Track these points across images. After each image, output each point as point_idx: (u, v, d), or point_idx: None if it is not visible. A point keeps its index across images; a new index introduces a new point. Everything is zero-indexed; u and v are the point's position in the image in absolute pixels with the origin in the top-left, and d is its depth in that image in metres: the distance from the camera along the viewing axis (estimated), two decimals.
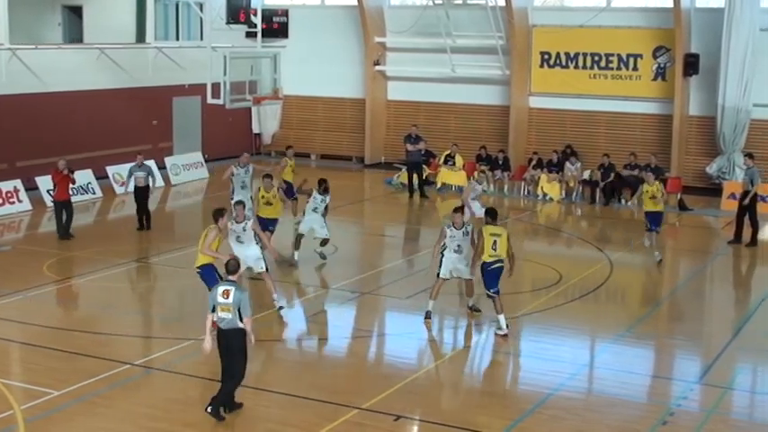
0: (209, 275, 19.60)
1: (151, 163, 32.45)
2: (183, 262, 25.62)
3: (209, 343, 15.60)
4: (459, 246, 20.68)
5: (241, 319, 15.40)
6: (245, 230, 21.00)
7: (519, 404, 16.57)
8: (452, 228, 20.73)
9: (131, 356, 18.32)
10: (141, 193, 29.57)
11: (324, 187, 25.53)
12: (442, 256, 20.82)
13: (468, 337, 20.51)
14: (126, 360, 18.06)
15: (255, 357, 18.87)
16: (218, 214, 19.78)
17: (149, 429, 15.11)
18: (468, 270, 20.76)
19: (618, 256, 27.41)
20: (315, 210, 25.30)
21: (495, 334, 20.00)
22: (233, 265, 15.92)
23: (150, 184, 29.76)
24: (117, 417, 15.56)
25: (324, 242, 25.52)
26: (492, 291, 19.94)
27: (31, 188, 32.83)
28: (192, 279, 23.73)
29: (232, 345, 15.51)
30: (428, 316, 20.77)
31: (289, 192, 29.53)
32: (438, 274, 20.84)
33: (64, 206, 28.13)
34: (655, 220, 26.73)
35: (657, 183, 27.01)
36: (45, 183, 33.16)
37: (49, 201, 32.89)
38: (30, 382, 16.99)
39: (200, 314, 21.59)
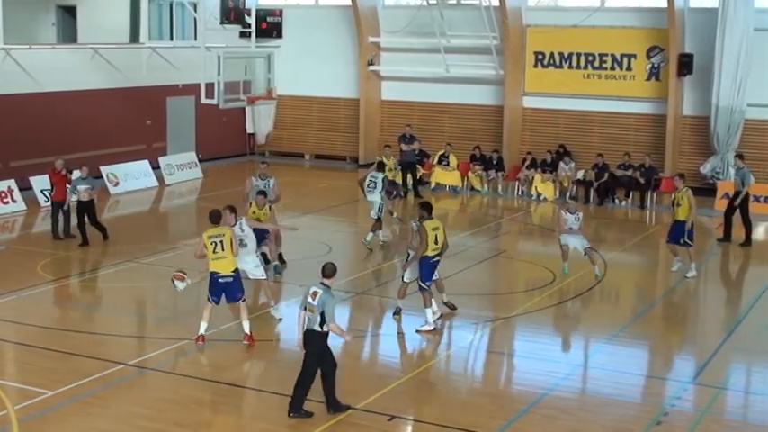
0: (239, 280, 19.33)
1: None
2: (176, 262, 25.58)
3: (300, 342, 15.76)
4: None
5: (322, 323, 15.35)
6: (242, 231, 20.74)
7: (513, 404, 16.57)
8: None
9: (125, 356, 18.30)
10: (86, 208, 27.51)
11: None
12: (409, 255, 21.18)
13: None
14: (120, 360, 18.04)
15: (250, 358, 18.90)
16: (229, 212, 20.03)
17: (143, 429, 15.10)
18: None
19: (612, 256, 27.41)
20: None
21: (417, 330, 20.11)
22: (329, 268, 15.75)
23: (94, 198, 27.84)
24: (111, 417, 15.54)
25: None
26: (427, 283, 20.10)
27: (26, 188, 32.80)
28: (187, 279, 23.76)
29: (309, 345, 15.61)
30: (397, 312, 21.19)
31: (390, 189, 31.38)
32: (402, 278, 21.23)
33: (61, 206, 28.08)
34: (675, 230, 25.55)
35: (684, 189, 25.34)
36: (39, 183, 33.14)
37: (43, 201, 32.91)
38: (24, 382, 16.97)
39: (195, 314, 21.65)
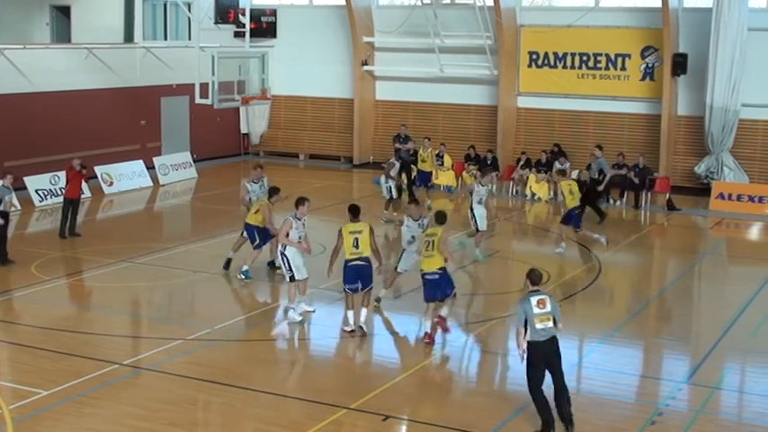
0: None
1: None
2: (171, 262, 25.64)
3: (523, 357, 15.24)
4: (413, 237, 21.64)
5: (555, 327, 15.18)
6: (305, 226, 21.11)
7: (508, 404, 16.56)
8: (409, 219, 22.06)
9: (120, 356, 18.29)
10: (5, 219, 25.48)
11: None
12: (403, 250, 21.98)
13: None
14: (114, 360, 18.03)
15: (245, 357, 18.89)
16: (299, 203, 20.57)
17: (137, 429, 15.09)
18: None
19: (606, 256, 27.42)
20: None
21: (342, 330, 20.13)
22: (538, 275, 15.38)
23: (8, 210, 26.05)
24: (105, 416, 15.53)
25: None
26: (348, 287, 19.86)
27: (19, 188, 32.73)
28: (181, 279, 23.78)
29: (556, 355, 15.20)
30: (378, 299, 21.78)
31: (424, 179, 35.24)
32: (396, 268, 22.04)
33: (72, 204, 28.25)
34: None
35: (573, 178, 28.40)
36: (33, 183, 33.21)
37: (38, 201, 32.92)
38: (18, 382, 16.95)
39: (190, 314, 21.71)
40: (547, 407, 15.08)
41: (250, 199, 25.03)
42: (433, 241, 19.30)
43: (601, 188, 32.40)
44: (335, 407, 16.01)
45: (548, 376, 15.19)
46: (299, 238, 20.57)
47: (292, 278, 20.61)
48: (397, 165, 31.79)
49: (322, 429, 15.17)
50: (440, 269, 19.32)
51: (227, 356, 18.72)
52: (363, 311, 19.99)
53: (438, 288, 19.40)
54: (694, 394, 17.41)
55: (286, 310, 21.00)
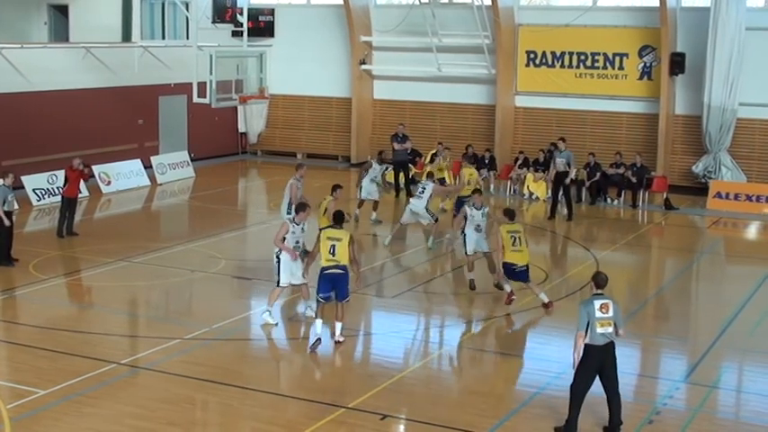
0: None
1: None
2: (169, 261, 25.63)
3: (577, 363, 15.01)
4: (478, 225, 23.30)
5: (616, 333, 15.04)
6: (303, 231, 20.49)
7: (505, 403, 16.58)
8: (473, 208, 23.46)
9: (117, 356, 18.28)
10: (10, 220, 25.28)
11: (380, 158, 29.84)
12: (465, 235, 23.44)
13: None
14: (112, 359, 18.03)
15: (243, 356, 18.89)
16: (300, 209, 20.58)
17: (135, 428, 15.09)
18: (488, 244, 23.39)
19: (604, 255, 27.44)
20: (374, 179, 30.47)
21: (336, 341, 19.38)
22: (603, 278, 15.26)
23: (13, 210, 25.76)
24: (103, 416, 15.52)
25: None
26: (321, 295, 19.07)
27: (17, 187, 32.70)
28: (179, 278, 23.78)
29: (611, 360, 15.10)
30: (472, 285, 23.26)
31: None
32: (465, 252, 23.42)
33: (70, 203, 28.30)
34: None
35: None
36: (31, 182, 33.17)
37: (35, 200, 32.91)
38: (16, 381, 16.94)
39: (187, 313, 21.70)
40: (578, 413, 15.08)
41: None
42: (519, 237, 21.40)
43: (567, 181, 32.33)
44: (333, 406, 16.01)
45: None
46: (297, 243, 20.22)
47: (279, 282, 20.31)
48: (377, 166, 31.16)
49: (320, 428, 15.18)
50: (526, 264, 21.64)
51: (224, 356, 18.71)
52: (338, 325, 19.18)
53: (523, 276, 21.69)
54: (692, 393, 17.43)
55: (264, 311, 20.71)
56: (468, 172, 29.99)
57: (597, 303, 14.84)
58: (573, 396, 15.11)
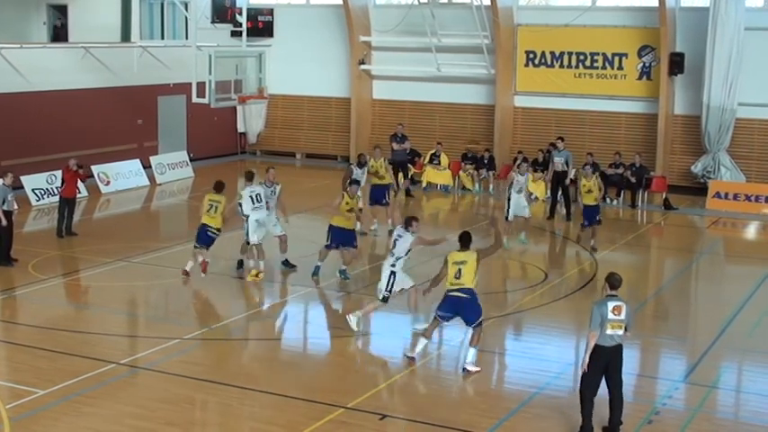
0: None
1: None
2: (168, 261, 25.62)
3: (586, 365, 14.89)
4: (521, 188, 27.65)
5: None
6: (273, 194, 23.41)
7: (504, 403, 16.59)
8: (518, 174, 27.86)
9: (116, 356, 18.28)
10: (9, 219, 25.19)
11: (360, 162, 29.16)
12: (509, 200, 27.57)
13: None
14: (111, 359, 18.03)
15: (243, 356, 18.89)
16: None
17: (134, 428, 15.09)
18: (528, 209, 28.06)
19: (603, 255, 27.44)
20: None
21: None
22: (618, 280, 15.14)
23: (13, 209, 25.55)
24: (102, 416, 15.52)
25: None
26: (439, 313, 18.42)
27: (17, 187, 32.70)
28: (178, 278, 23.78)
29: (617, 362, 15.04)
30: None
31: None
32: (507, 218, 27.42)
33: (68, 203, 28.32)
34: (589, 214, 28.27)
35: (594, 177, 28.71)
36: (30, 182, 33.18)
37: (34, 200, 32.91)
38: (15, 381, 16.94)
39: (186, 313, 21.69)
40: (591, 414, 15.01)
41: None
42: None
43: (567, 181, 32.42)
44: (333, 406, 16.01)
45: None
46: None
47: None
48: (357, 170, 29.77)
49: (319, 428, 15.17)
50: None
51: (224, 356, 18.72)
52: (471, 351, 18.19)
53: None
54: (691, 393, 17.44)
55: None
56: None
57: (611, 305, 14.82)
58: (583, 399, 15.06)
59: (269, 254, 24.26)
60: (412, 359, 18.38)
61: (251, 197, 23.73)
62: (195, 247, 23.75)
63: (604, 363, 14.89)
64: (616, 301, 14.89)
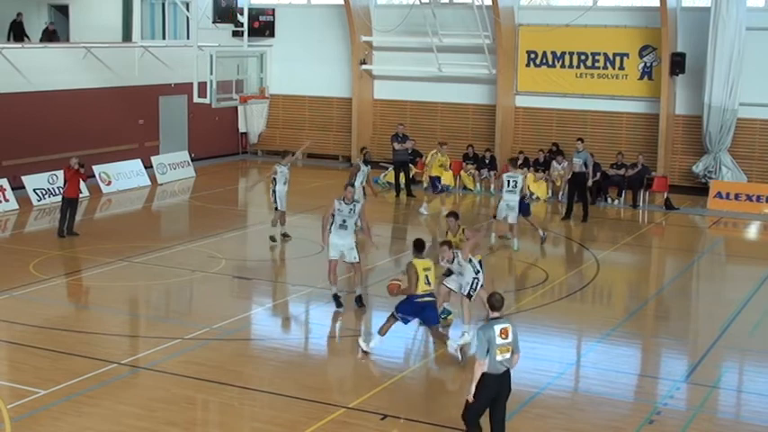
0: None
1: None
2: (169, 261, 25.63)
3: (472, 395, 13.79)
4: (512, 189, 27.43)
5: None
6: (353, 213, 21.44)
7: None
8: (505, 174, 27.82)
9: (117, 356, 18.28)
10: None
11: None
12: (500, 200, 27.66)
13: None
14: (112, 359, 18.03)
15: (244, 356, 18.89)
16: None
17: (135, 428, 15.09)
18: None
19: (604, 255, 27.44)
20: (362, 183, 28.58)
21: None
22: (498, 300, 13.91)
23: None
24: (103, 416, 15.52)
25: None
26: (400, 315, 18.81)
27: (18, 187, 32.77)
28: (179, 278, 23.79)
29: (506, 389, 13.92)
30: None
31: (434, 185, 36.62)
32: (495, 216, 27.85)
33: (71, 203, 28.33)
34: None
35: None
36: (32, 182, 33.18)
37: (36, 200, 32.92)
38: (16, 381, 16.94)
39: (187, 313, 21.70)
40: None
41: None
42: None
43: (590, 183, 32.33)
44: (334, 406, 16.02)
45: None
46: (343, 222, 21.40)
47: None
48: (364, 168, 29.49)
49: (320, 428, 15.17)
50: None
51: (224, 356, 18.70)
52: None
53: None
54: (692, 393, 17.43)
55: None
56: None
57: (498, 328, 13.63)
58: (468, 426, 14.01)
59: (268, 254, 24.28)
60: (366, 353, 18.72)
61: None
62: None
63: (494, 392, 13.76)
64: (502, 324, 13.71)
